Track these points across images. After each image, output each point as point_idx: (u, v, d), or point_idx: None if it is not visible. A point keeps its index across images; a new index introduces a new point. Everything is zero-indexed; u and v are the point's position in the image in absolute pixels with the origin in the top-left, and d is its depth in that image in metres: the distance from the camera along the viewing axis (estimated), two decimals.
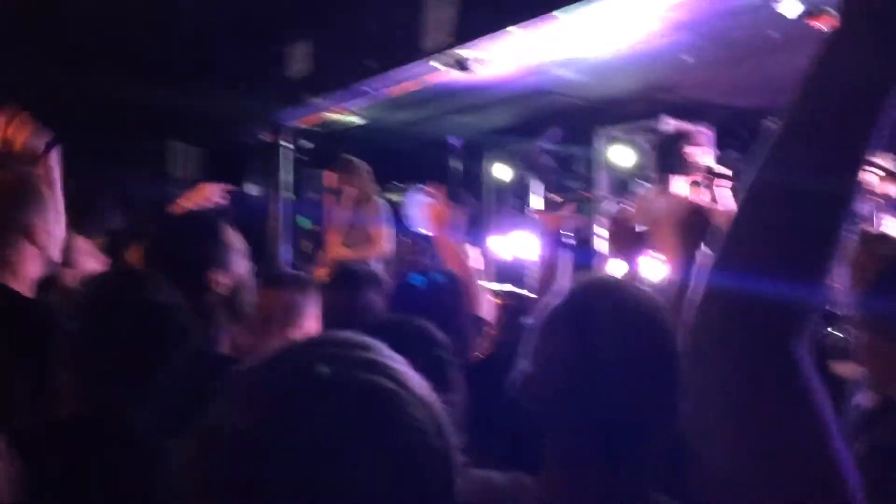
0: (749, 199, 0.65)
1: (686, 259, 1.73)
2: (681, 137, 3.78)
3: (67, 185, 2.06)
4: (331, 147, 7.00)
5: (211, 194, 2.58)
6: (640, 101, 6.16)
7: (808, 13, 3.91)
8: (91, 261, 2.28)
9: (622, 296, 1.18)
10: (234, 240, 1.81)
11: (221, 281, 1.73)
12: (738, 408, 0.61)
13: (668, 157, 3.79)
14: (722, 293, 0.63)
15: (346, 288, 2.27)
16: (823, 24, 4.05)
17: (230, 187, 2.64)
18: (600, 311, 1.14)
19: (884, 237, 2.53)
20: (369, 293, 2.24)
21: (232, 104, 6.52)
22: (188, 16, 5.19)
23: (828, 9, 3.94)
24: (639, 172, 6.44)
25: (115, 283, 1.55)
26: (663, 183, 3.79)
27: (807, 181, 0.61)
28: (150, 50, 5.43)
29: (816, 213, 0.62)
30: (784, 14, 3.86)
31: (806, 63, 0.64)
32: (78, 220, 2.29)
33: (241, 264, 1.80)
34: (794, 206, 0.62)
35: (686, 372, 0.67)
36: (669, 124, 3.99)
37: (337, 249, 4.33)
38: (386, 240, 4.41)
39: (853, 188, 0.64)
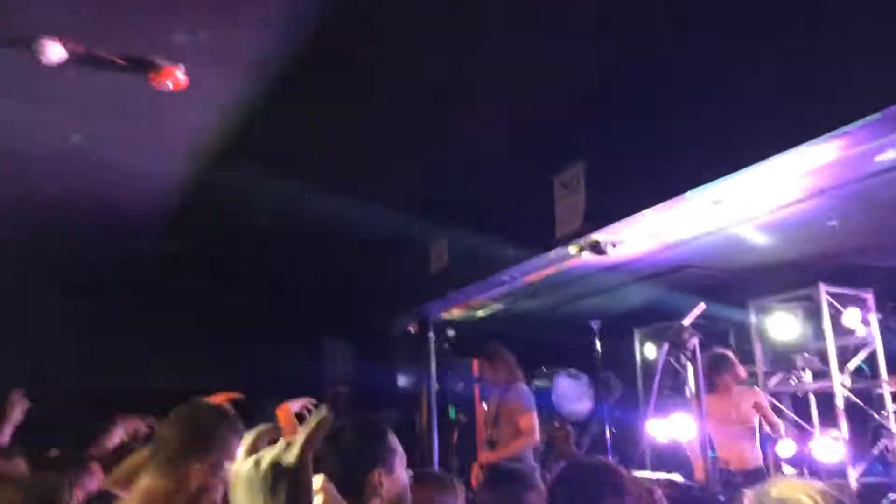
0: None
1: None
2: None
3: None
4: (473, 335, 7.16)
5: (294, 409, 3.05)
6: (788, 270, 5.94)
7: None
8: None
9: None
10: (397, 445, 1.87)
11: (385, 483, 1.76)
12: None
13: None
14: None
15: (503, 488, 2.23)
16: None
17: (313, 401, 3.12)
18: None
19: None
20: (529, 493, 2.19)
21: (381, 300, 6.92)
22: (340, 227, 5.70)
23: None
24: (801, 344, 6.06)
25: None
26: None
27: None
28: (309, 259, 6.01)
29: None
30: None
31: None
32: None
33: (402, 470, 1.82)
34: None
35: None
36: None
37: (486, 453, 4.30)
38: (534, 429, 4.30)
39: None
